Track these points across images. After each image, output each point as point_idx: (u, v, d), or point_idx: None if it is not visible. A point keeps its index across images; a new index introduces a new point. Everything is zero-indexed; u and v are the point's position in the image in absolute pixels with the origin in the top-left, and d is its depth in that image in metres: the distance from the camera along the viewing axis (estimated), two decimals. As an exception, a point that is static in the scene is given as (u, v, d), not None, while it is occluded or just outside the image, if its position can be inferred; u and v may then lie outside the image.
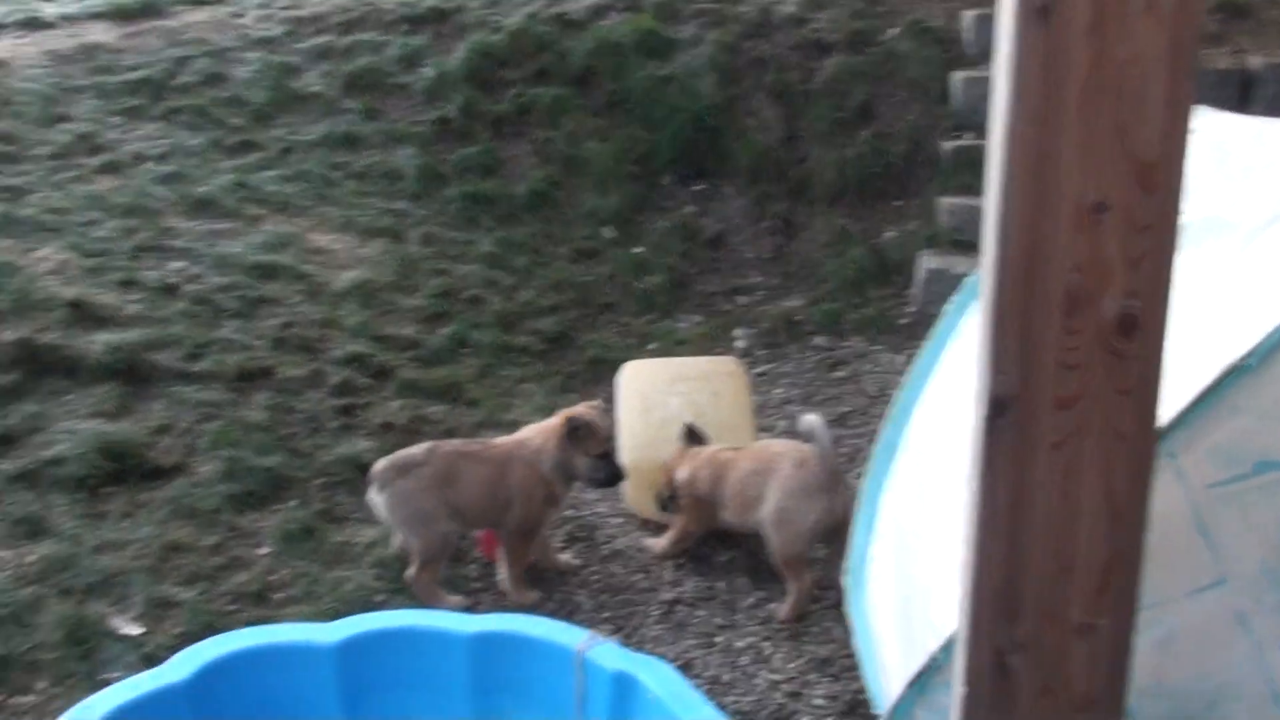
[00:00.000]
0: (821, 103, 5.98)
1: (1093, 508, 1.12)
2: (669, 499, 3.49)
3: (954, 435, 2.28)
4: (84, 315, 4.26)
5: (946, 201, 5.48)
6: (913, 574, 2.35)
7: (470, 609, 3.11)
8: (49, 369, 4.00)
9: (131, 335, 4.19)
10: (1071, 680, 1.16)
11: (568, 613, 3.19)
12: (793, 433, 3.67)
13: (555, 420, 3.33)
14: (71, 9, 6.80)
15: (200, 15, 6.87)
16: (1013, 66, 1.03)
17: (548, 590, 3.35)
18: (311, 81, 6.32)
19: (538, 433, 3.34)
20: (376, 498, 3.24)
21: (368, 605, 2.98)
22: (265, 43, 6.61)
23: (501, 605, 3.20)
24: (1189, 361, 1.53)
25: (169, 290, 4.58)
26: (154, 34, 6.62)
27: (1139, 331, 1.09)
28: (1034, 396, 1.11)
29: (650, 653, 2.72)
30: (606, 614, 3.24)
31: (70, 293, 4.33)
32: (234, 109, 6.09)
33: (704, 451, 3.45)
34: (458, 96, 6.21)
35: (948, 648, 1.92)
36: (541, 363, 4.82)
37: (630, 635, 3.11)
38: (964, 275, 2.87)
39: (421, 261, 5.26)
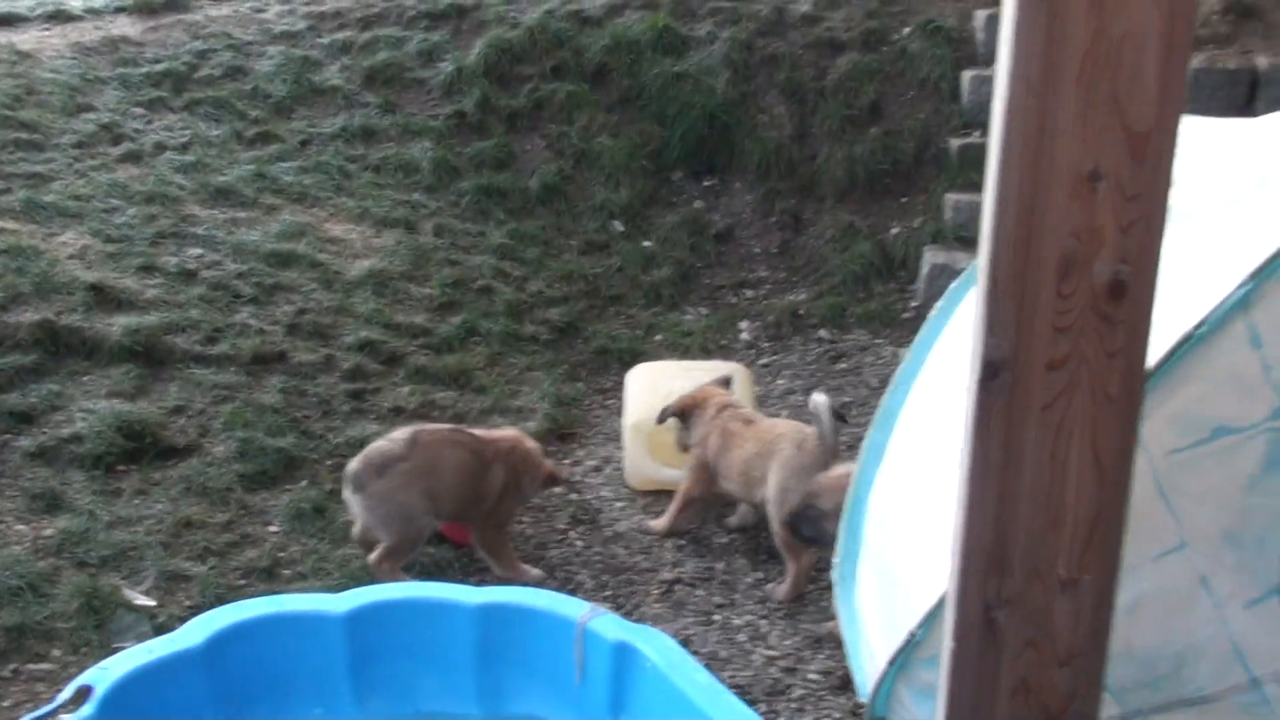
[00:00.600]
0: (833, 100, 6.01)
1: (1080, 466, 1.15)
2: (681, 432, 3.58)
3: (937, 427, 2.33)
4: (104, 298, 4.33)
5: (952, 198, 5.49)
6: (894, 562, 2.39)
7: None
8: (69, 350, 4.07)
9: (150, 319, 4.26)
10: (1056, 634, 1.18)
11: (569, 591, 3.23)
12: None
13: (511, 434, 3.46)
14: (97, 3, 6.88)
15: (223, 10, 6.95)
16: (1015, 40, 1.06)
17: (550, 571, 3.40)
18: (331, 75, 6.39)
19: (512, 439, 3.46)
20: (352, 499, 3.18)
21: (374, 581, 3.03)
22: (286, 37, 6.68)
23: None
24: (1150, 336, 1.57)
25: (187, 275, 4.65)
26: (177, 28, 6.70)
27: (1128, 296, 1.12)
28: (1026, 359, 1.14)
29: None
30: (608, 593, 3.29)
31: (91, 276, 4.40)
32: (254, 101, 6.16)
33: (725, 407, 3.52)
34: (474, 91, 6.26)
35: (926, 623, 1.96)
36: (549, 352, 4.88)
37: (631, 613, 3.16)
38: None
39: (434, 252, 5.32)
